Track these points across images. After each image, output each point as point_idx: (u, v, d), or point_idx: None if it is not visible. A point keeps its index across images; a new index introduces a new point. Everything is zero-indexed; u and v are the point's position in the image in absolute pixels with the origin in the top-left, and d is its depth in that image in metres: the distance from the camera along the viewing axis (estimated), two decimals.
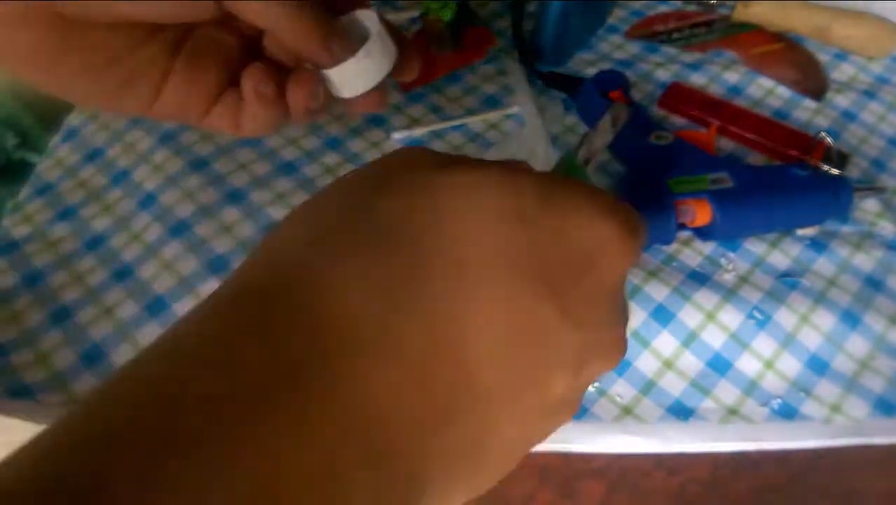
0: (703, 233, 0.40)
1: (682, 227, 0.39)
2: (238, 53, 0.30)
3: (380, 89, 0.30)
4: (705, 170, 0.40)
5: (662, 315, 0.36)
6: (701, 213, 0.38)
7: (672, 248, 0.40)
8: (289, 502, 0.15)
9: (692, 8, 0.55)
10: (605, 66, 0.50)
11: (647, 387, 0.34)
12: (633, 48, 0.53)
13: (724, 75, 0.50)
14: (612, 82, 0.46)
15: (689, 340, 0.36)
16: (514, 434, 0.20)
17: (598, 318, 0.21)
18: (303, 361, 0.17)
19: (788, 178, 0.40)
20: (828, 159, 0.43)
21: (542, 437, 0.22)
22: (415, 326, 0.18)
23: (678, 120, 0.47)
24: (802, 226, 0.40)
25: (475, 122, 0.47)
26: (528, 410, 0.20)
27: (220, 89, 0.30)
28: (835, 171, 0.41)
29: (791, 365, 0.35)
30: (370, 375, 0.17)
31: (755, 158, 0.45)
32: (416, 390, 0.18)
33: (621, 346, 0.23)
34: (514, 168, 0.21)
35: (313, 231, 0.20)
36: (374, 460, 0.17)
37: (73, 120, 0.48)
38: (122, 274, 0.39)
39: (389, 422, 0.17)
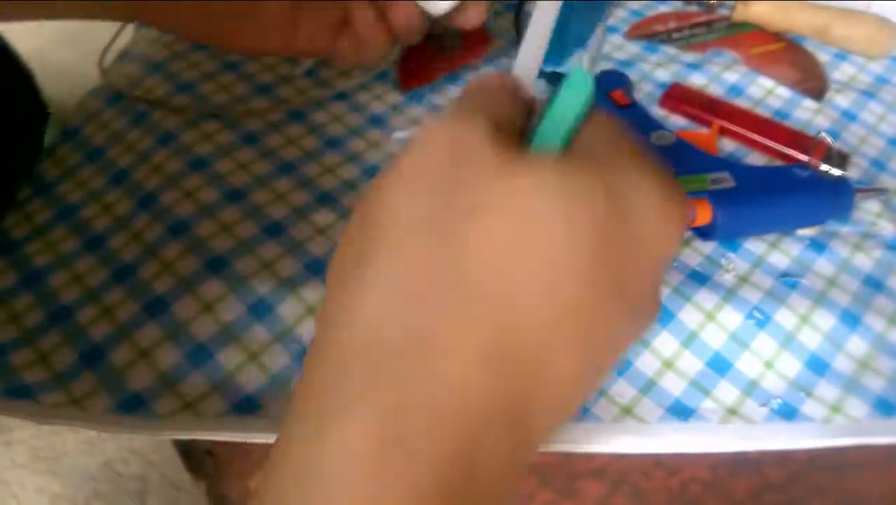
0: (703, 233, 0.40)
1: None
2: None
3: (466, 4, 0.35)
4: (705, 170, 0.40)
5: (662, 315, 0.36)
6: (701, 213, 0.38)
7: None
8: None
9: (692, 8, 0.55)
10: (606, 66, 0.50)
11: (647, 387, 0.34)
12: (633, 48, 0.53)
13: (724, 75, 0.50)
14: (613, 82, 0.46)
15: (690, 339, 0.36)
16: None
17: (649, 296, 0.23)
18: None
19: (789, 179, 0.40)
20: (828, 159, 0.43)
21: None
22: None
23: (679, 120, 0.47)
24: (803, 226, 0.40)
25: None
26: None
27: (340, 25, 0.38)
28: (836, 172, 0.41)
29: (791, 365, 0.35)
30: None
31: (755, 158, 0.45)
32: None
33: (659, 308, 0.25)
34: (574, 163, 0.20)
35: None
36: None
37: (73, 120, 0.48)
38: (122, 274, 0.39)
39: None
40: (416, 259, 0.19)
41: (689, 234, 0.40)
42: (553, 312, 0.19)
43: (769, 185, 0.40)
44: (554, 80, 0.49)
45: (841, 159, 0.43)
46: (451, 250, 0.19)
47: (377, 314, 0.19)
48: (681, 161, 0.41)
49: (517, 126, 0.23)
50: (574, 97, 0.22)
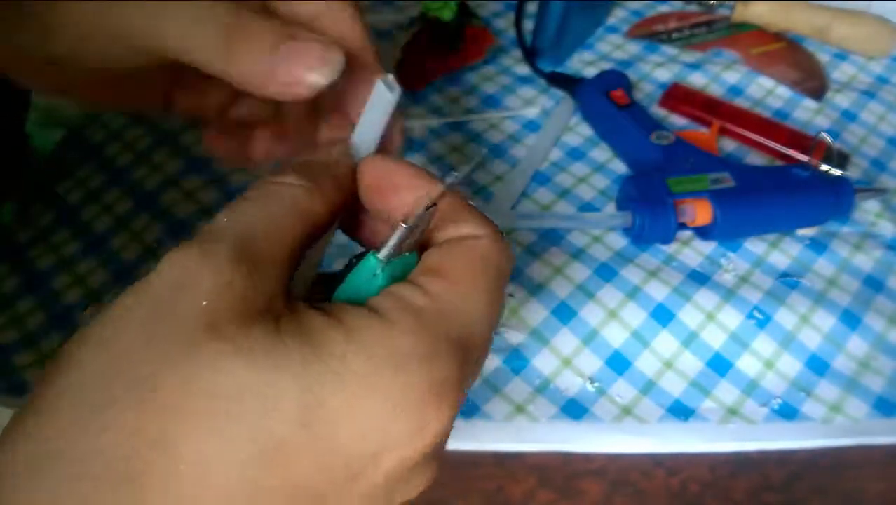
0: (703, 232, 0.40)
1: (683, 226, 0.39)
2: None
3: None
4: (705, 169, 0.40)
5: (662, 315, 0.36)
6: (701, 213, 0.38)
7: (672, 248, 0.40)
8: None
9: (692, 8, 0.55)
10: (605, 66, 0.50)
11: (647, 387, 0.34)
12: (633, 48, 0.53)
13: (724, 75, 0.50)
14: (613, 82, 0.46)
15: (690, 340, 0.36)
16: None
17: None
18: None
19: (789, 179, 0.40)
20: (828, 159, 0.43)
21: None
22: None
23: (679, 120, 0.47)
24: (803, 226, 0.40)
25: (475, 119, 0.47)
26: None
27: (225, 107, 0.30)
28: (836, 172, 0.41)
29: (791, 365, 0.35)
30: None
31: (755, 159, 0.45)
32: None
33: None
34: (273, 362, 0.17)
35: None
36: None
37: (73, 120, 0.48)
38: (123, 275, 0.39)
39: None
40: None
41: (689, 233, 0.40)
42: None
43: (769, 185, 0.40)
44: (553, 80, 0.49)
45: (841, 159, 0.43)
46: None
47: None
48: (680, 161, 0.41)
49: (295, 245, 0.20)
50: (365, 282, 0.20)
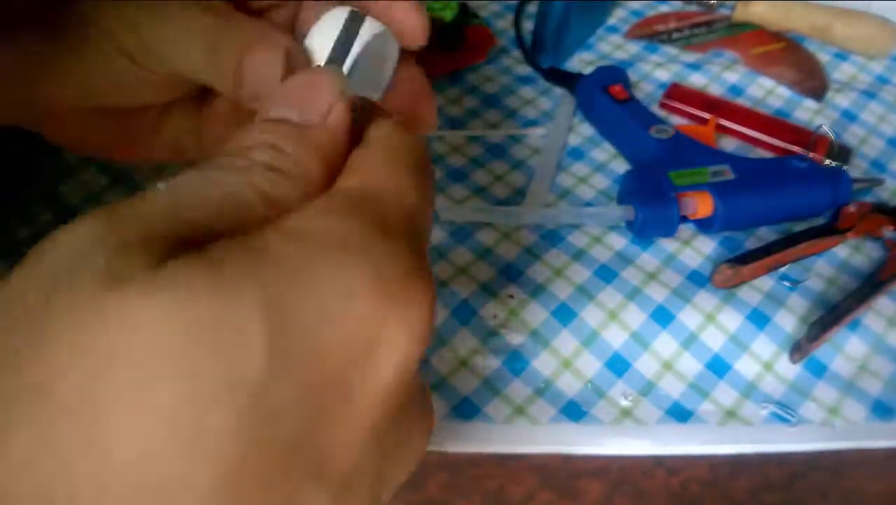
0: (704, 225, 0.40)
1: (684, 219, 0.39)
2: None
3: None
4: (705, 163, 0.40)
5: (662, 316, 0.36)
6: (702, 206, 0.38)
7: (672, 248, 0.40)
8: None
9: (692, 8, 0.55)
10: (604, 63, 0.50)
11: (647, 388, 0.35)
12: (633, 48, 0.53)
13: (724, 75, 0.50)
14: (612, 77, 0.46)
15: (689, 341, 0.36)
16: None
17: (370, 462, 0.16)
18: None
19: (788, 170, 0.40)
20: (830, 155, 0.43)
21: None
22: None
23: (679, 120, 0.47)
24: (803, 217, 0.41)
25: (485, 134, 0.47)
26: None
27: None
28: (835, 164, 0.41)
29: (790, 367, 0.35)
30: None
31: (757, 156, 0.45)
32: None
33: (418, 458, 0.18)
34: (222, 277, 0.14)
35: None
36: None
37: None
38: None
39: None
40: None
41: (690, 230, 0.40)
42: None
43: (769, 177, 0.40)
44: (552, 76, 0.49)
45: (843, 154, 0.44)
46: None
47: None
48: (681, 154, 0.41)
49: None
50: None
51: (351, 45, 0.22)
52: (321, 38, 0.23)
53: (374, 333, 0.15)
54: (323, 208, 0.16)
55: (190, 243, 0.14)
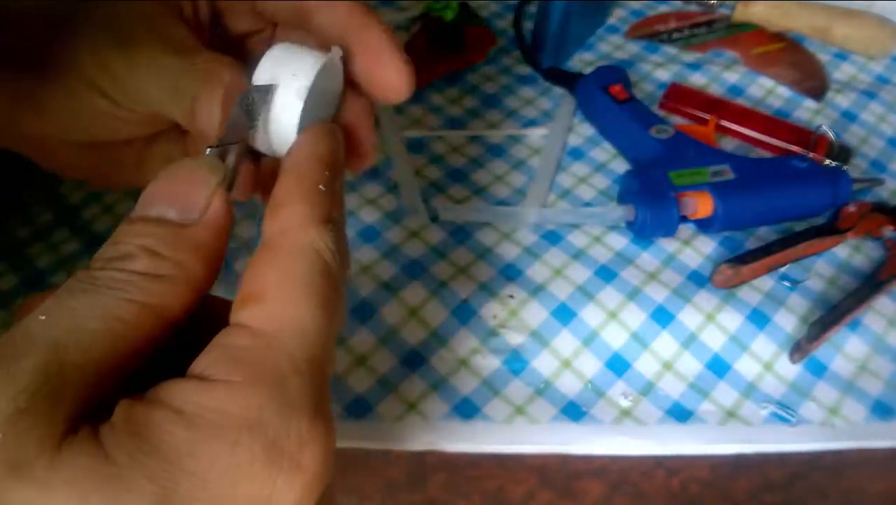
0: (704, 225, 0.40)
1: (684, 219, 0.39)
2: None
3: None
4: (705, 162, 0.40)
5: (662, 316, 0.36)
6: (702, 205, 0.38)
7: (672, 248, 0.40)
8: None
9: (692, 8, 0.55)
10: (604, 63, 0.50)
11: (647, 388, 0.35)
12: (633, 48, 0.53)
13: (724, 75, 0.50)
14: (612, 77, 0.46)
15: (689, 341, 0.36)
16: None
17: None
18: None
19: (788, 170, 0.40)
20: (830, 155, 0.43)
21: None
22: None
23: (679, 120, 0.47)
24: (803, 217, 0.41)
25: (485, 134, 0.47)
26: None
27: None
28: (835, 164, 0.41)
29: (790, 367, 0.35)
30: None
31: (757, 156, 0.45)
32: None
33: None
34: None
35: None
36: None
37: None
38: None
39: None
40: None
41: (690, 230, 0.40)
42: None
43: (769, 177, 0.40)
44: (552, 76, 0.49)
45: (843, 153, 0.44)
46: None
47: None
48: (681, 154, 0.41)
49: (129, 354, 0.17)
50: None
51: (261, 108, 0.22)
52: (261, 73, 0.23)
53: (264, 496, 0.16)
54: (218, 380, 0.16)
55: (79, 398, 0.15)
